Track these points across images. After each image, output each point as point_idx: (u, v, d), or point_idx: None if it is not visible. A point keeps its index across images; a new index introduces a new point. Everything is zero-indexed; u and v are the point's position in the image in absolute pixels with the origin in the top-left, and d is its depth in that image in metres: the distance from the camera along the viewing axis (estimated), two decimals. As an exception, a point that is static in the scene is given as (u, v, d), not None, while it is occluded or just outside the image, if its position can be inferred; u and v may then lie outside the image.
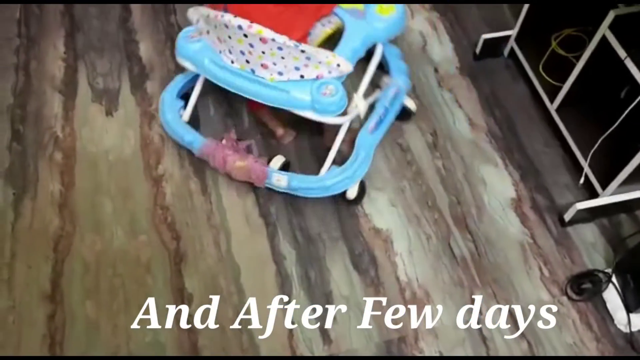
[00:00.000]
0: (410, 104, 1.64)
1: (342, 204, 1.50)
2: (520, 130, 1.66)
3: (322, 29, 1.40)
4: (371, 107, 1.50)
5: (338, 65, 1.28)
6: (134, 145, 1.59)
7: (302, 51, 1.23)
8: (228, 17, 1.22)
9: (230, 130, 1.59)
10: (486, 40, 1.75)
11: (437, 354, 1.30)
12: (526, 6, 1.63)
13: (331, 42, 1.38)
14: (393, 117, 1.57)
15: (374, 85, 1.55)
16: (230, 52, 1.32)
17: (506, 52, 1.79)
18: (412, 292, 1.38)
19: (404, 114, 1.63)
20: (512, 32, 1.73)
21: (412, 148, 1.62)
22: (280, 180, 1.43)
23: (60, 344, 1.28)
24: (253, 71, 1.33)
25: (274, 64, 1.28)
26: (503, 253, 1.45)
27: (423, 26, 1.90)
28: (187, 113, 1.55)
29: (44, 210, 1.46)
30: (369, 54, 1.42)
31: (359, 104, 1.38)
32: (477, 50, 1.78)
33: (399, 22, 1.42)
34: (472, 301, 1.37)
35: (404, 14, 1.44)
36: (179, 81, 1.59)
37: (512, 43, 1.74)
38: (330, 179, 1.42)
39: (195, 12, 1.35)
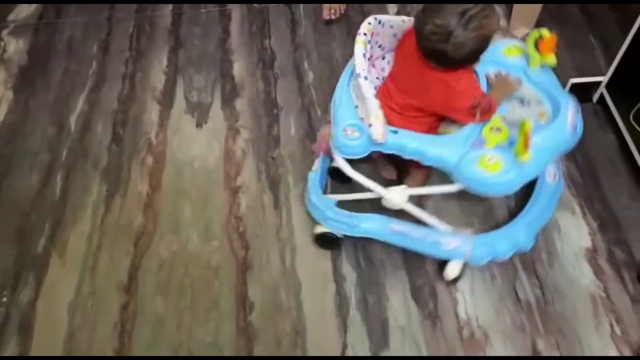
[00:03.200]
0: None
1: (408, 234, 1.51)
2: (603, 179, 1.60)
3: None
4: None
5: None
6: (218, 156, 1.69)
7: None
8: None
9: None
10: (575, 85, 1.71)
11: (490, 398, 1.26)
12: (621, 53, 1.58)
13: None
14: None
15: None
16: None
17: (595, 98, 1.74)
18: (470, 331, 1.36)
19: None
20: (604, 79, 1.68)
21: (486, 186, 1.60)
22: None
23: (129, 333, 1.38)
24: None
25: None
26: (572, 304, 1.39)
27: (510, 66, 1.89)
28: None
29: (130, 208, 1.59)
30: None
31: None
32: (565, 94, 1.75)
33: (501, 185, 1.19)
34: (534, 349, 1.33)
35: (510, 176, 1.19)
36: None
37: (602, 89, 1.69)
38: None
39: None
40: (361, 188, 1.35)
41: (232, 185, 1.63)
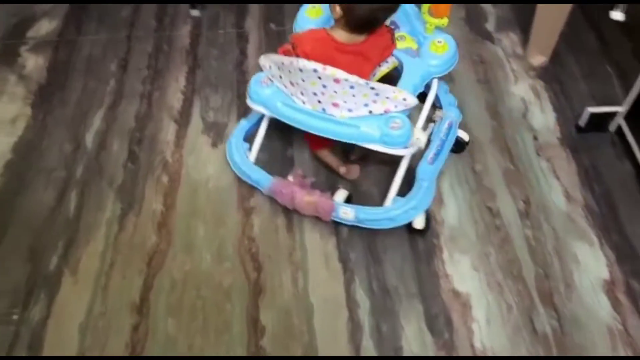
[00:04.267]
0: (464, 135, 1.71)
1: (422, 261, 1.50)
2: (621, 210, 1.58)
3: (379, 69, 1.48)
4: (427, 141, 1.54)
5: (404, 99, 1.34)
6: (232, 176, 1.69)
7: (372, 88, 1.31)
8: (303, 62, 1.31)
9: (296, 168, 1.66)
10: (592, 114, 1.70)
11: None
12: (639, 83, 1.58)
13: (385, 80, 1.43)
14: (449, 148, 1.62)
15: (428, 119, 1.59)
16: (302, 94, 1.41)
17: (612, 127, 1.73)
18: (485, 362, 1.33)
19: (459, 146, 1.70)
20: (621, 109, 1.67)
21: (502, 213, 1.59)
22: (348, 214, 1.49)
23: (140, 354, 1.36)
24: (324, 110, 1.41)
25: (345, 102, 1.36)
26: (589, 336, 1.36)
27: (526, 93, 1.89)
28: (253, 154, 1.65)
29: (144, 226, 1.58)
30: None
31: (420, 137, 1.42)
32: (581, 123, 1.74)
33: (452, 59, 1.50)
34: (550, 383, 1.30)
35: (456, 51, 1.51)
36: (243, 126, 1.71)
37: (619, 120, 1.69)
38: (396, 209, 1.47)
39: (267, 59, 1.44)
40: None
41: (245, 206, 1.63)
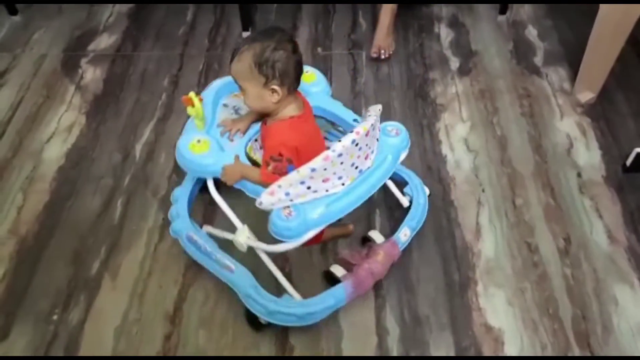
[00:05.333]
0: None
1: (456, 293, 1.48)
2: (666, 254, 1.53)
3: None
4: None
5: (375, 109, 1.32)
6: (271, 195, 1.72)
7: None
8: (340, 146, 1.18)
9: (341, 251, 1.58)
10: (639, 154, 1.66)
11: None
12: (692, 126, 1.54)
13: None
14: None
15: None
16: (339, 178, 1.25)
17: (661, 169, 1.69)
18: (515, 401, 1.30)
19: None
20: (672, 150, 1.63)
21: (541, 250, 1.56)
22: (407, 234, 1.50)
23: (170, 363, 1.39)
24: (361, 171, 1.30)
25: (370, 148, 1.29)
26: (627, 384, 1.31)
27: (571, 129, 1.86)
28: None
29: (183, 238, 1.62)
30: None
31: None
32: (628, 163, 1.70)
33: None
34: None
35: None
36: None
37: (669, 161, 1.64)
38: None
39: (278, 192, 1.20)
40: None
41: (282, 225, 1.65)
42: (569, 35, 2.22)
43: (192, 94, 1.38)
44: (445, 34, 2.27)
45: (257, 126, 1.41)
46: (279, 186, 1.18)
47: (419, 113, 1.95)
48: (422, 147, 1.84)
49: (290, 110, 1.27)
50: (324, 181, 1.22)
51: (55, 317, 1.47)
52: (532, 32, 2.27)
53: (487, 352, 1.37)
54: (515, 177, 1.73)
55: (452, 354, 1.37)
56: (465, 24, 2.32)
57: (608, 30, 1.75)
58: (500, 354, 1.36)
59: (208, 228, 1.53)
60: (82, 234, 1.64)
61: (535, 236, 1.59)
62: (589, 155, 1.79)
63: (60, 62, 2.20)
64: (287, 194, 1.20)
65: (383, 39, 2.13)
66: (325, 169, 1.19)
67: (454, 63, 2.13)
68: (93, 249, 1.61)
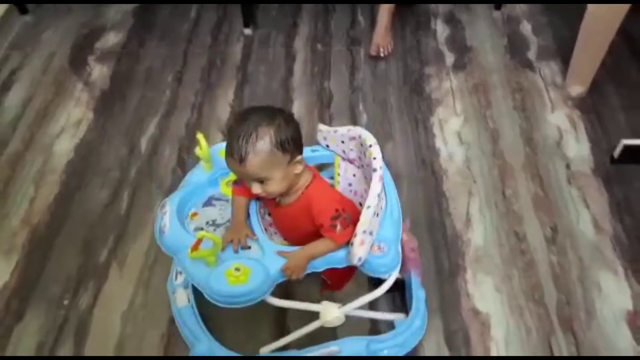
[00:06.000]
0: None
1: (445, 279, 1.55)
2: (650, 242, 1.59)
3: None
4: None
5: None
6: (271, 187, 1.79)
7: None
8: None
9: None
10: (626, 146, 1.72)
11: None
12: (676, 118, 1.59)
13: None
14: None
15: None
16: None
17: (648, 161, 1.74)
18: (500, 381, 1.37)
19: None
20: (657, 142, 1.68)
21: (529, 238, 1.62)
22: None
23: (174, 345, 1.47)
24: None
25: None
26: (608, 366, 1.38)
27: (562, 122, 1.92)
28: None
29: (187, 228, 1.70)
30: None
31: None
32: (616, 154, 1.75)
33: None
34: (564, 407, 1.33)
35: None
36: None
37: (655, 153, 1.70)
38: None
39: (365, 235, 1.16)
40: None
41: (281, 216, 1.72)
42: (563, 31, 2.27)
43: (200, 136, 1.32)
44: (441, 30, 2.33)
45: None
46: (364, 232, 1.14)
47: (414, 108, 2.01)
48: (417, 141, 1.90)
49: (306, 174, 1.22)
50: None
51: (66, 302, 1.55)
52: (526, 27, 2.32)
53: (474, 336, 1.44)
54: (506, 169, 1.79)
55: (441, 337, 1.44)
56: (462, 20, 2.37)
57: (596, 26, 1.80)
58: (487, 337, 1.43)
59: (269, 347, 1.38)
60: (90, 224, 1.72)
61: (524, 225, 1.65)
62: (578, 148, 1.84)
63: (69, 60, 2.28)
64: (371, 233, 1.17)
65: (382, 38, 2.18)
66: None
67: (449, 58, 2.19)
68: (101, 238, 1.69)
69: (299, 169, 1.17)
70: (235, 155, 1.10)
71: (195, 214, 1.35)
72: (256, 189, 1.15)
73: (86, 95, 2.13)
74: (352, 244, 1.15)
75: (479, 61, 2.17)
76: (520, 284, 1.53)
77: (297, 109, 2.03)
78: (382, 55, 2.18)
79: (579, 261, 1.57)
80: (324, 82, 2.13)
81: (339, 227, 1.16)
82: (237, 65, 2.21)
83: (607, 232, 1.62)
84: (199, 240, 1.13)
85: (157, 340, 1.48)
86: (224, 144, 1.16)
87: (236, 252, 1.20)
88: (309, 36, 2.32)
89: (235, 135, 1.10)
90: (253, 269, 1.15)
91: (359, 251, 1.15)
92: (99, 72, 2.22)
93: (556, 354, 1.40)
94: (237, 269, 1.14)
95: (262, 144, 1.10)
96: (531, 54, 2.19)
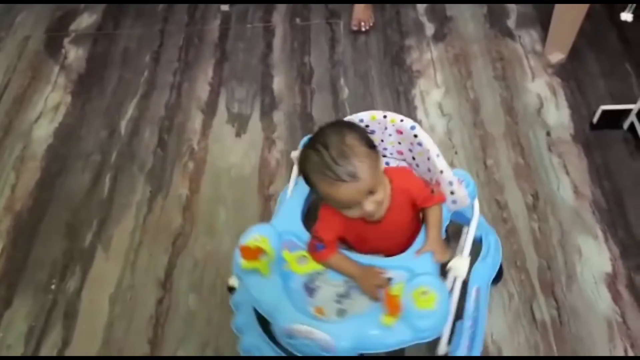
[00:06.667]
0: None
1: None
2: (628, 206, 1.62)
3: None
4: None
5: None
6: (254, 165, 1.80)
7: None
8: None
9: None
10: (605, 112, 1.73)
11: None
12: (652, 82, 1.60)
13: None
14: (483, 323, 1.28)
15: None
16: None
17: (626, 125, 1.76)
18: (484, 346, 1.40)
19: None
20: (634, 106, 1.70)
21: (510, 206, 1.64)
22: None
23: (163, 326, 1.49)
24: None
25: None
26: (587, 327, 1.41)
27: (542, 89, 1.93)
28: None
29: (170, 209, 1.71)
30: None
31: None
32: (595, 120, 1.77)
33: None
34: (546, 369, 1.36)
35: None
36: None
37: (632, 117, 1.71)
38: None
39: (461, 186, 1.16)
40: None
41: (265, 193, 1.73)
42: (543, -3, 2.26)
43: (262, 243, 1.09)
44: (421, -1, 2.31)
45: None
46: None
47: (396, 81, 2.01)
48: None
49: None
50: None
51: (53, 286, 1.56)
52: (506, -5, 2.30)
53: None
54: (487, 139, 1.80)
55: (426, 305, 1.47)
56: (441, -11, 2.35)
57: (574, -8, 1.80)
58: (470, 304, 1.46)
59: None
60: (74, 208, 1.72)
61: (505, 194, 1.67)
62: (558, 115, 1.86)
63: (44, 44, 2.24)
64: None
65: (362, 12, 2.16)
66: None
67: (430, 29, 2.18)
68: (85, 222, 1.69)
69: (382, 165, 1.08)
70: (345, 178, 0.98)
71: (320, 310, 1.06)
72: (370, 205, 1.03)
73: (63, 79, 2.10)
74: (453, 192, 1.16)
75: (459, 31, 2.16)
76: (503, 251, 1.55)
77: (278, 85, 2.02)
78: (363, 29, 2.16)
79: (560, 227, 1.59)
80: (304, 57, 2.11)
81: (434, 190, 1.15)
82: (215, 43, 2.18)
83: (586, 197, 1.65)
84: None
85: (145, 321, 1.49)
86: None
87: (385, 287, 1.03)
88: (287, 11, 2.29)
89: (329, 163, 0.99)
90: (437, 290, 0.99)
91: (460, 189, 1.16)
92: (74, 54, 2.19)
93: (537, 317, 1.43)
94: (424, 293, 0.98)
95: (360, 149, 1.01)
96: (511, 22, 2.18)
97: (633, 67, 1.96)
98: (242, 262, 1.07)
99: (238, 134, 1.89)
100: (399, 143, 1.25)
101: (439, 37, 2.15)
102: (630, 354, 1.36)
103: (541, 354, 1.38)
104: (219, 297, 1.52)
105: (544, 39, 2.07)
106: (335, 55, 2.11)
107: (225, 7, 2.30)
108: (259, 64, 2.10)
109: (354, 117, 1.23)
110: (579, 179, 1.69)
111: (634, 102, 1.72)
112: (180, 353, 1.44)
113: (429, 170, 1.20)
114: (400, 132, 1.22)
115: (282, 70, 2.07)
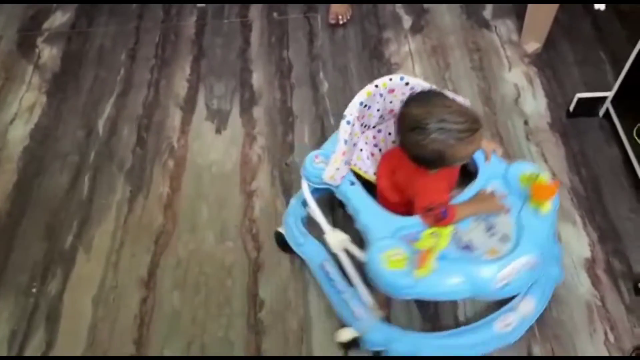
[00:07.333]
0: None
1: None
2: (605, 192, 1.65)
3: None
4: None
5: None
6: (235, 161, 1.79)
7: None
8: None
9: None
10: (581, 100, 1.76)
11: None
12: (626, 69, 1.63)
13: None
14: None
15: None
16: None
17: (601, 112, 1.79)
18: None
19: None
20: (609, 94, 1.73)
21: (491, 196, 1.66)
22: None
23: (148, 325, 1.47)
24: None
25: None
26: (568, 311, 1.44)
27: (519, 79, 1.95)
28: None
29: (152, 208, 1.69)
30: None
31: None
32: (571, 108, 1.80)
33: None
34: (529, 353, 1.38)
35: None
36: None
37: (608, 104, 1.74)
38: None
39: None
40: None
41: (247, 190, 1.72)
42: (517, -12, 2.28)
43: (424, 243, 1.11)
44: (397, -8, 2.31)
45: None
46: None
47: (375, 73, 2.01)
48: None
49: None
50: None
51: (34, 289, 1.54)
52: (481, -14, 2.32)
53: (442, 292, 1.48)
54: (466, 129, 1.82)
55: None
56: (417, -19, 2.36)
57: (548, -18, 1.82)
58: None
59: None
60: (53, 209, 1.69)
61: (485, 183, 1.69)
62: (535, 104, 1.88)
63: (16, 44, 2.19)
64: None
65: (340, 5, 2.16)
66: None
67: (407, 22, 2.18)
68: (65, 223, 1.66)
69: None
70: (477, 125, 1.11)
71: (492, 251, 1.17)
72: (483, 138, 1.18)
73: (37, 79, 2.06)
74: None
75: (436, 23, 2.17)
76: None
77: (257, 80, 2.01)
78: (341, 23, 2.16)
79: (539, 214, 1.61)
80: (283, 51, 2.10)
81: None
82: (192, 39, 2.16)
83: (565, 184, 1.67)
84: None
85: (130, 321, 1.48)
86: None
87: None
88: (265, 5, 2.27)
89: (459, 128, 1.09)
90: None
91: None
92: (48, 54, 2.15)
93: (520, 304, 1.46)
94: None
95: (453, 99, 1.15)
96: (487, 13, 2.19)
97: (607, 55, 2.00)
98: (417, 272, 1.09)
99: (218, 131, 1.87)
100: (390, 102, 1.31)
101: (416, 29, 2.16)
102: (610, 336, 1.39)
103: (524, 339, 1.39)
104: (204, 295, 1.52)
105: (519, 29, 2.09)
106: (314, 49, 2.11)
107: (201, 4, 2.28)
108: (237, 59, 2.08)
109: (355, 102, 1.24)
110: (557, 167, 1.72)
111: (609, 89, 1.75)
112: (166, 352, 1.43)
113: None
114: (392, 90, 1.27)
115: (260, 65, 2.06)
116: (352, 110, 1.23)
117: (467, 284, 1.11)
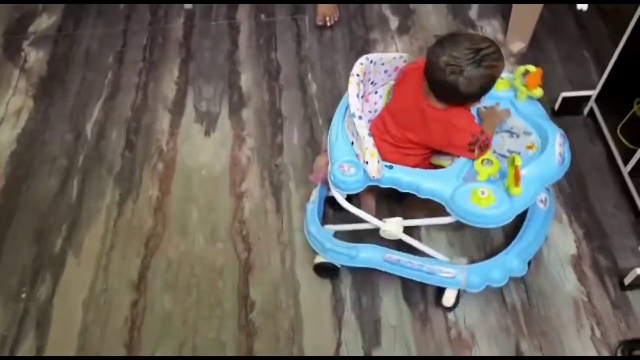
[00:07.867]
0: None
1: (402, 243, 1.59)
2: (590, 189, 1.67)
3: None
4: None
5: None
6: (224, 163, 1.79)
7: None
8: None
9: None
10: (565, 98, 1.78)
11: (474, 394, 1.34)
12: (609, 68, 1.65)
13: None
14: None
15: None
16: None
17: (586, 111, 1.81)
18: (457, 331, 1.44)
19: None
20: (593, 93, 1.75)
21: (478, 194, 1.68)
22: None
23: (139, 328, 1.48)
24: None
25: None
26: (555, 307, 1.46)
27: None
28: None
29: (141, 211, 1.69)
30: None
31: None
32: (556, 107, 1.82)
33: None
34: (517, 350, 1.40)
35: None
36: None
37: (592, 103, 1.77)
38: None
39: None
40: (357, 218, 1.38)
41: (237, 191, 1.73)
42: (503, -12, 2.30)
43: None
44: (384, -7, 2.33)
45: None
46: None
47: (362, 73, 2.02)
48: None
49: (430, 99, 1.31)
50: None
51: (23, 294, 1.53)
52: (467, -13, 2.34)
53: (430, 289, 1.49)
54: (453, 128, 1.83)
55: (399, 293, 1.50)
56: (403, -18, 2.37)
57: (532, -18, 1.84)
58: (441, 293, 1.49)
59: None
60: (42, 213, 1.69)
61: (473, 182, 1.71)
62: (521, 103, 1.90)
63: (2, 47, 2.18)
64: None
65: (327, 7, 2.17)
66: None
67: (394, 22, 2.20)
68: (54, 227, 1.66)
69: None
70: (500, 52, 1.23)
71: (530, 147, 1.35)
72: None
73: (24, 83, 2.05)
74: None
75: (422, 23, 2.19)
76: (472, 237, 1.59)
77: (245, 82, 2.02)
78: (328, 24, 2.17)
79: (526, 212, 1.63)
80: (271, 53, 2.11)
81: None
82: (180, 41, 2.16)
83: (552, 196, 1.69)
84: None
85: (120, 324, 1.48)
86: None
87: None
88: (252, 7, 2.28)
89: (491, 56, 1.20)
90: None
91: None
92: (35, 57, 2.14)
93: (507, 300, 1.48)
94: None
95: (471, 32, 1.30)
96: (473, 13, 2.21)
97: (590, 53, 2.03)
98: (515, 190, 1.19)
99: (207, 133, 1.88)
100: (385, 71, 1.40)
101: (403, 29, 2.17)
102: (597, 332, 1.42)
103: (512, 336, 1.42)
104: (195, 297, 1.52)
105: (505, 29, 2.12)
106: (301, 50, 2.12)
107: (188, 6, 2.28)
108: (226, 61, 2.09)
109: (356, 66, 1.31)
110: (542, 165, 1.74)
111: (593, 87, 1.78)
112: (157, 355, 1.43)
113: None
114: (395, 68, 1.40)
115: (249, 67, 2.07)
116: (355, 105, 1.24)
117: (541, 179, 1.27)
